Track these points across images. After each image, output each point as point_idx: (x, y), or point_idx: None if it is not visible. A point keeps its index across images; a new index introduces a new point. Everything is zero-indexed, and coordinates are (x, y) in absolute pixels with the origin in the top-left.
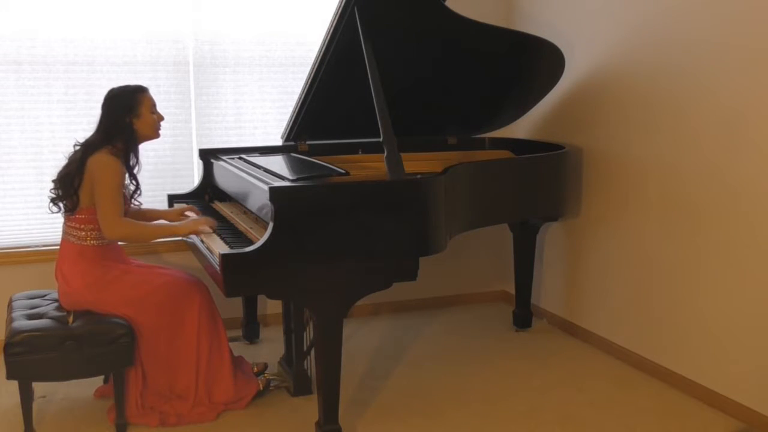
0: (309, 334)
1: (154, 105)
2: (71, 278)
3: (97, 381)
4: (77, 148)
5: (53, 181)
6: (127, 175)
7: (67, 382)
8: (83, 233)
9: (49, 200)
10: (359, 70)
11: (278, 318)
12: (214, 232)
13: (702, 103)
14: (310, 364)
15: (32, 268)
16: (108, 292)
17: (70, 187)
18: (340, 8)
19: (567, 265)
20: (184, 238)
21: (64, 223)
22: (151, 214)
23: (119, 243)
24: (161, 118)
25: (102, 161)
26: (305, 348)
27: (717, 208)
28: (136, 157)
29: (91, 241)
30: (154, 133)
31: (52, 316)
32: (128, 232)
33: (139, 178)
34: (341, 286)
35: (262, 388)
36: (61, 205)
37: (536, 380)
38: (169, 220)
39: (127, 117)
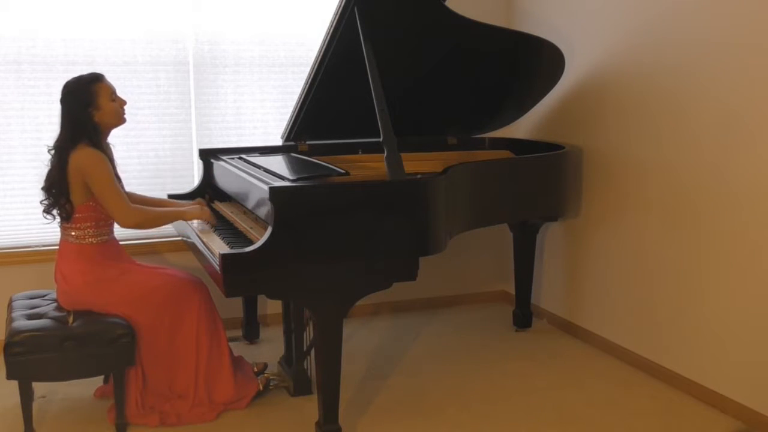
0: (309, 334)
1: (113, 92)
2: (71, 277)
3: (97, 381)
4: (51, 153)
5: (43, 190)
6: None
7: (67, 382)
8: (81, 232)
9: (42, 211)
10: (359, 70)
11: (278, 318)
12: (215, 231)
13: (702, 104)
14: (310, 364)
15: (32, 268)
16: (108, 291)
17: (59, 195)
18: (340, 8)
19: (567, 265)
20: (184, 238)
21: (61, 226)
22: (153, 201)
23: (120, 243)
24: (123, 103)
25: (86, 157)
26: (305, 348)
27: (717, 208)
28: (108, 150)
29: (90, 239)
30: (119, 121)
31: (51, 316)
32: (143, 218)
33: (139, 177)
34: (341, 286)
35: (262, 388)
36: (55, 213)
37: (536, 380)
38: None
39: (86, 111)
